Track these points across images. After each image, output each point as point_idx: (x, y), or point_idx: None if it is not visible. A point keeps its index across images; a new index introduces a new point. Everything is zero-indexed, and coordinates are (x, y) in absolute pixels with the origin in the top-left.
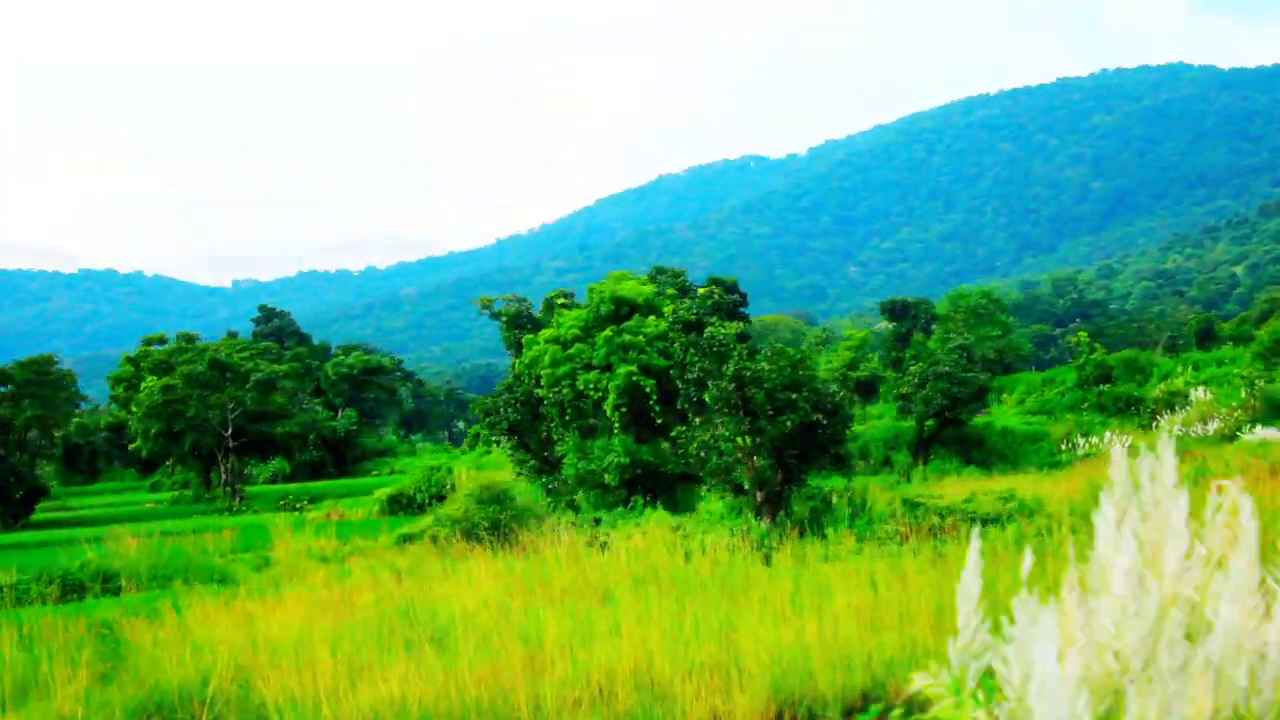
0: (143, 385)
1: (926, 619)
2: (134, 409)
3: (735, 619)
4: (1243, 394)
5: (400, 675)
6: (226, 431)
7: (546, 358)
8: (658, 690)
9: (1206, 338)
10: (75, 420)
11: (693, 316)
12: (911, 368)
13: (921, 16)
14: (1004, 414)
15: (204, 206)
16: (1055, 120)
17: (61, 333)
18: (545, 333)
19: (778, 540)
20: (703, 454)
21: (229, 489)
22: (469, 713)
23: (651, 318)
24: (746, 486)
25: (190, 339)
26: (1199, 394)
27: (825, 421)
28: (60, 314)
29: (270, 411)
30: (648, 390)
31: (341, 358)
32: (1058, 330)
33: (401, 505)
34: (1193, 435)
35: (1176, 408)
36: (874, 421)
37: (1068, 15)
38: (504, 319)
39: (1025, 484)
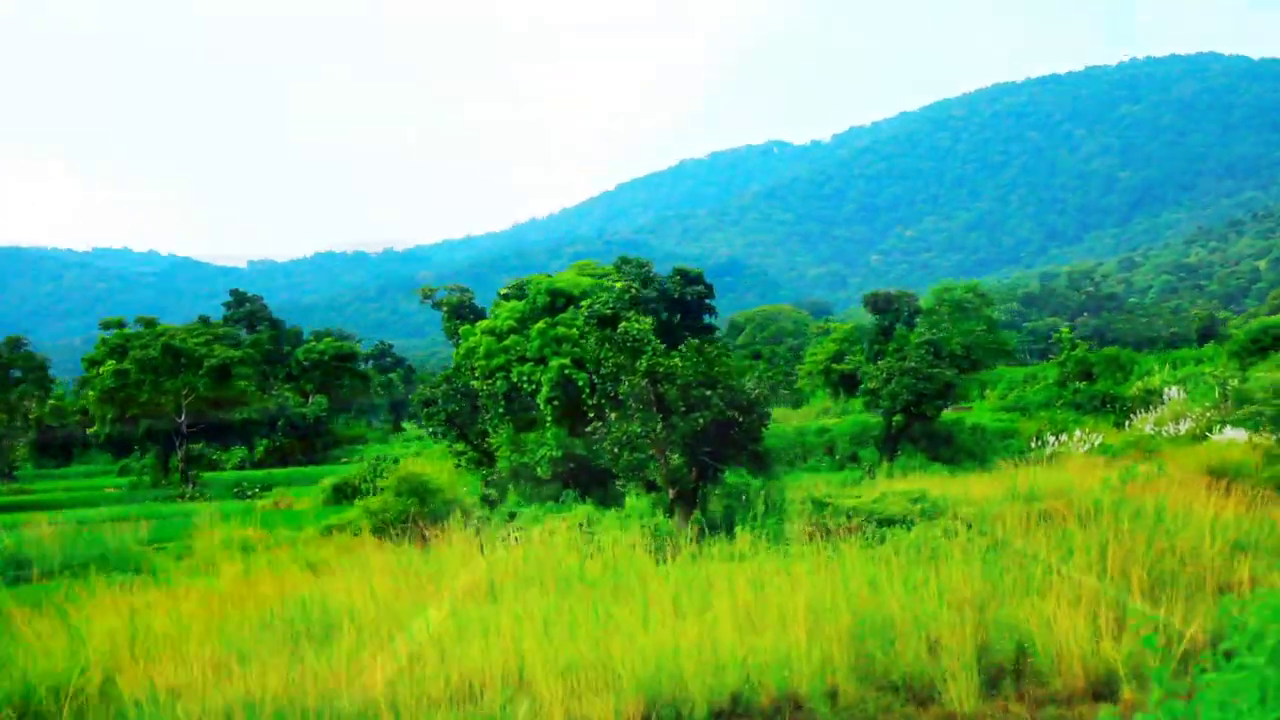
0: (101, 369)
1: (805, 621)
2: (89, 393)
3: (617, 618)
4: (1216, 394)
5: (263, 671)
6: (180, 418)
7: (481, 349)
8: (526, 690)
9: (1208, 335)
10: (50, 403)
11: (609, 311)
12: (880, 363)
13: (953, 3)
14: (981, 410)
15: (222, 186)
16: (1083, 109)
17: (74, 311)
18: (482, 324)
19: (685, 538)
20: (616, 450)
21: (182, 475)
22: (324, 711)
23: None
24: (659, 484)
25: (150, 322)
26: (1172, 393)
27: (741, 419)
28: (74, 292)
29: (228, 398)
30: (580, 383)
31: (313, 344)
32: (1074, 323)
33: (345, 495)
34: (1165, 435)
35: (1152, 407)
36: (845, 416)
37: (1100, 3)
38: (445, 309)
39: (959, 484)
